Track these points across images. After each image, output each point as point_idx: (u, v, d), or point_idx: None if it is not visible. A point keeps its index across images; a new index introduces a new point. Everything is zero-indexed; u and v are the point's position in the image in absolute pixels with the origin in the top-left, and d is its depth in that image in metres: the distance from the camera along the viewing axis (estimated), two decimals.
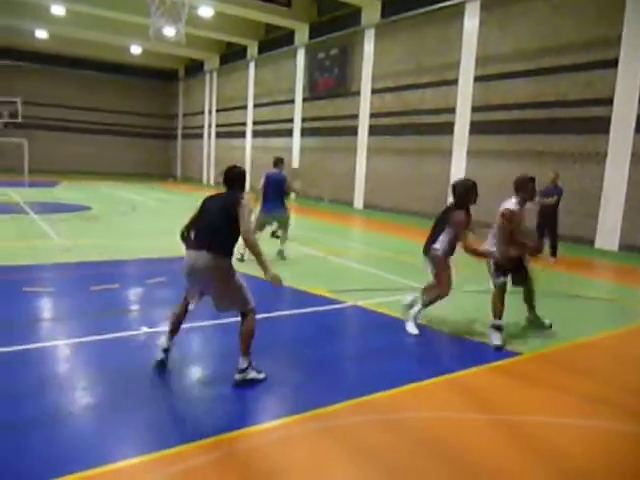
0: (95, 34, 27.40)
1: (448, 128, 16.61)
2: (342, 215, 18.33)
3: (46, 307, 6.23)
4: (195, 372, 4.59)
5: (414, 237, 13.12)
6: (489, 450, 3.37)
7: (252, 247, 4.25)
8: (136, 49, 30.66)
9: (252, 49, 27.28)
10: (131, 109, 37.37)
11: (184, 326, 5.62)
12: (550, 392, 4.34)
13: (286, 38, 24.43)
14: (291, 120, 24.44)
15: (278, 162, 9.29)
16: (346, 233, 14.49)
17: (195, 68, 34.05)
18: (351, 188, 20.91)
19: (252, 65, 27.53)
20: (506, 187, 6.15)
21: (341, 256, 10.07)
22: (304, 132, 23.85)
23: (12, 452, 3.10)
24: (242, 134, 28.63)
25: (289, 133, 24.65)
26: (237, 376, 4.14)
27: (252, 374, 4.19)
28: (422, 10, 17.24)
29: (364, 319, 6.25)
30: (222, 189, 4.57)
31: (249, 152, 28.13)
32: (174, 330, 4.46)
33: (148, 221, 14.23)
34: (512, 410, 3.97)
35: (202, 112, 33.24)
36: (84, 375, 4.29)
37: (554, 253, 10.34)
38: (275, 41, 25.47)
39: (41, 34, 28.32)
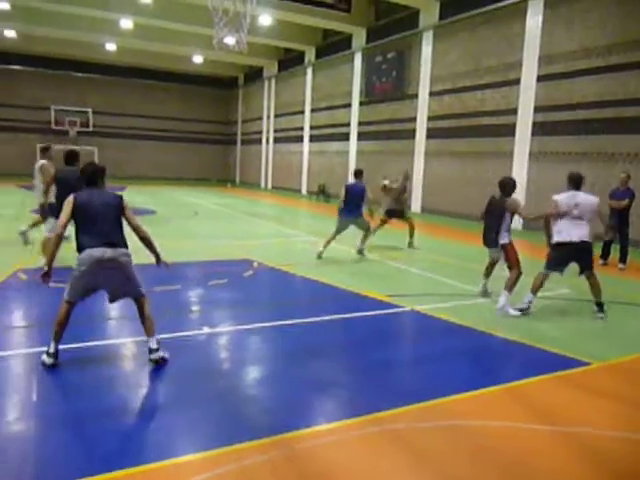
0: (160, 45, 28.49)
1: (509, 130, 16.17)
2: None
3: (112, 306, 6.51)
4: (253, 372, 4.67)
5: (474, 242, 12.83)
6: (551, 464, 3.26)
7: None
8: (198, 58, 31.64)
9: (310, 55, 27.57)
10: (192, 116, 38.56)
11: (243, 327, 5.75)
12: (620, 405, 4.14)
13: (343, 43, 24.53)
14: (348, 124, 24.50)
15: (358, 174, 10.09)
16: (404, 237, 14.36)
17: (254, 75, 34.75)
18: (409, 192, 20.70)
19: (309, 70, 27.81)
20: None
21: (398, 260, 9.99)
22: (360, 136, 23.85)
23: (76, 442, 3.27)
24: (299, 139, 28.94)
25: (345, 137, 24.71)
26: (153, 356, 4.41)
27: (164, 352, 4.47)
28: (481, 10, 16.88)
29: (422, 324, 6.18)
30: None
31: (306, 156, 28.40)
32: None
33: (209, 225, 14.63)
34: (578, 422, 3.82)
35: (260, 118, 33.86)
36: (146, 373, 4.45)
37: (624, 259, 9.85)
38: (332, 46, 25.63)
39: (111, 47, 29.73)
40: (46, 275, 4.35)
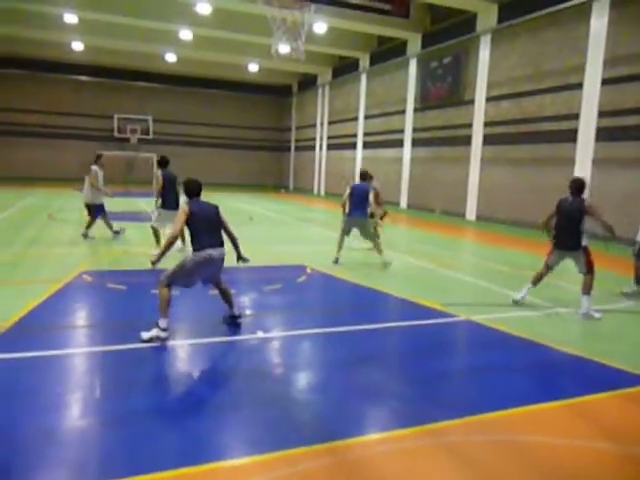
0: (217, 55, 29.25)
1: (570, 135, 15.60)
2: (454, 227, 17.86)
3: (171, 309, 6.70)
4: (306, 378, 4.69)
5: (532, 250, 12.45)
6: None
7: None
8: (254, 67, 32.26)
9: (364, 61, 27.59)
10: (248, 123, 39.32)
11: (297, 332, 5.80)
12: None
13: (398, 49, 24.42)
14: (402, 131, 24.32)
15: (364, 175, 9.97)
16: (458, 245, 14.10)
17: (308, 82, 35.10)
18: (463, 199, 20.33)
19: (363, 77, 27.83)
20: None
21: (453, 268, 9.81)
22: (415, 142, 23.62)
23: (132, 440, 3.36)
24: (353, 145, 28.97)
25: (399, 144, 24.54)
26: (239, 320, 5.74)
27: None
28: (542, 12, 16.42)
29: (478, 335, 6.03)
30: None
31: (359, 163, 28.38)
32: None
33: (264, 230, 14.83)
34: None
35: (314, 125, 34.12)
36: (201, 374, 4.55)
37: None
38: (387, 52, 25.55)
39: (170, 57, 30.76)
40: (154, 263, 5.51)
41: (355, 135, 28.70)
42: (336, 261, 9.60)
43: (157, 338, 5.11)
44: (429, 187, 22.59)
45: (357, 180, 10.24)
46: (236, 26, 23.79)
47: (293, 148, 38.65)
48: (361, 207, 9.59)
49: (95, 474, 3.02)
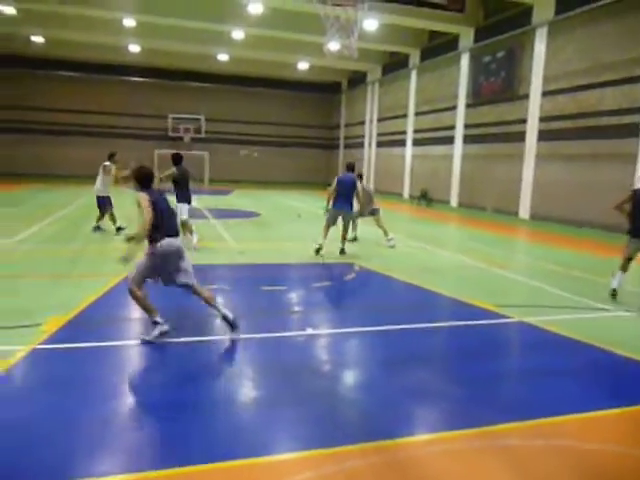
0: (268, 54, 29.58)
1: (632, 130, 14.92)
2: (506, 225, 17.42)
3: (223, 303, 6.84)
4: (355, 376, 4.69)
5: (589, 250, 12.02)
6: None
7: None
8: (303, 65, 32.43)
9: (414, 57, 27.26)
10: (296, 121, 39.59)
11: (346, 330, 5.81)
12: None
13: (449, 44, 23.99)
14: (452, 127, 23.90)
15: (350, 167, 10.26)
16: (510, 244, 13.75)
17: (357, 80, 34.99)
18: (516, 197, 19.79)
19: (414, 73, 27.50)
20: None
21: (505, 268, 9.57)
22: (466, 139, 23.16)
23: (177, 432, 3.44)
24: (402, 143, 28.70)
25: (450, 141, 24.12)
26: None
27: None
28: (600, 3, 15.76)
29: (532, 337, 5.86)
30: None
31: (409, 160, 28.10)
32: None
33: (313, 227, 14.91)
34: None
35: (363, 122, 34.00)
36: (250, 369, 4.63)
37: None
38: (438, 48, 25.15)
39: (222, 57, 31.33)
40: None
41: (404, 132, 28.41)
42: (318, 252, 9.71)
43: (162, 334, 5.02)
44: (481, 185, 22.10)
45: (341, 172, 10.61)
46: (287, 25, 23.96)
47: (342, 145, 38.64)
48: (347, 199, 9.77)
49: (148, 462, 3.13)
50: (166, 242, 5.06)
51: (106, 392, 4.05)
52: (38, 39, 28.32)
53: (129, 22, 24.49)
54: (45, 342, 4.85)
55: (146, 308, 5.08)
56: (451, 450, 3.35)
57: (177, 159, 9.79)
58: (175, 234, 5.23)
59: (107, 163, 11.73)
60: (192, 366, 4.59)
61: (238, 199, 24.33)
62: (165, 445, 3.32)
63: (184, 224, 9.70)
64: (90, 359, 4.65)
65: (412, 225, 17.32)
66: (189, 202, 10.01)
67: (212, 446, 3.29)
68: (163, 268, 5.15)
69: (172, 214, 5.34)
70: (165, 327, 5.05)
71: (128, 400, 4.02)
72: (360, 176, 11.47)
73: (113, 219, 11.83)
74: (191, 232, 10.11)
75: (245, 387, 4.26)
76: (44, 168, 33.36)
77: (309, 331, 5.58)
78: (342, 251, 10.06)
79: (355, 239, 11.70)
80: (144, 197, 5.01)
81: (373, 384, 4.42)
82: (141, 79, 35.66)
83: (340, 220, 10.09)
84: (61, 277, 7.58)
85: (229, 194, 27.26)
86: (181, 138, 36.39)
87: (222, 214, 16.72)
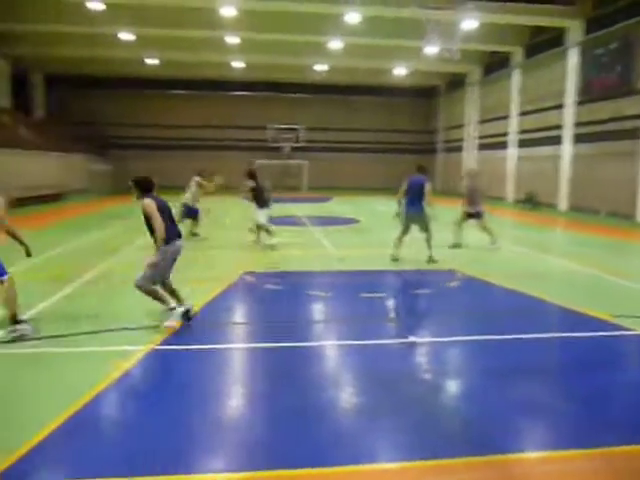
0: (365, 61, 29.77)
1: None
2: (621, 230, 16.13)
3: (323, 310, 6.97)
4: (458, 386, 4.57)
5: None
6: None
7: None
8: (400, 70, 32.24)
9: (516, 56, 26.16)
10: (394, 127, 39.39)
11: (448, 338, 5.69)
12: None
13: (555, 39, 22.75)
14: (559, 127, 22.59)
15: (420, 168, 10.00)
16: (627, 249, 12.72)
17: (456, 82, 34.19)
18: (633, 199, 18.28)
19: (516, 72, 26.37)
20: None
21: (621, 275, 8.85)
22: (575, 138, 21.79)
23: (282, 435, 3.53)
24: (504, 145, 27.59)
25: (557, 140, 22.81)
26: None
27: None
28: None
29: None
30: None
31: (512, 163, 26.94)
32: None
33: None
34: None
35: (462, 125, 33.12)
36: (351, 376, 4.65)
37: None
38: (542, 44, 23.94)
39: (320, 67, 31.97)
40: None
41: (506, 134, 27.30)
42: (394, 259, 9.59)
43: (184, 315, 5.61)
44: (593, 186, 20.66)
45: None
46: (384, 31, 23.97)
47: (440, 150, 37.89)
48: (416, 201, 9.46)
49: (255, 462, 3.24)
50: (175, 243, 5.65)
51: (216, 392, 4.27)
52: (152, 61, 30.58)
53: (233, 40, 25.76)
54: (162, 343, 5.21)
55: (161, 299, 5.64)
56: (567, 471, 3.16)
57: (252, 174, 11.38)
58: (179, 236, 5.80)
59: (197, 178, 12.57)
60: (293, 371, 4.70)
61: (337, 206, 24.62)
62: (270, 447, 3.42)
63: (260, 227, 11.34)
64: (202, 360, 4.93)
65: (516, 230, 16.57)
66: (266, 207, 11.35)
67: (315, 451, 3.35)
68: (168, 266, 5.72)
69: (172, 218, 5.82)
70: (182, 308, 5.65)
71: (236, 401, 4.21)
72: (472, 174, 11.18)
73: (195, 226, 12.80)
74: (268, 232, 11.33)
75: (346, 394, 4.29)
76: (161, 180, 35.81)
77: (411, 339, 5.52)
78: (430, 259, 9.54)
79: (458, 245, 11.39)
80: (150, 205, 5.47)
81: (478, 395, 4.28)
82: (243, 93, 37.31)
83: (416, 227, 9.73)
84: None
85: (328, 201, 27.65)
86: (281, 148, 37.56)
87: (321, 221, 17.01)
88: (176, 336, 5.44)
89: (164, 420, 3.71)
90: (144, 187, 5.69)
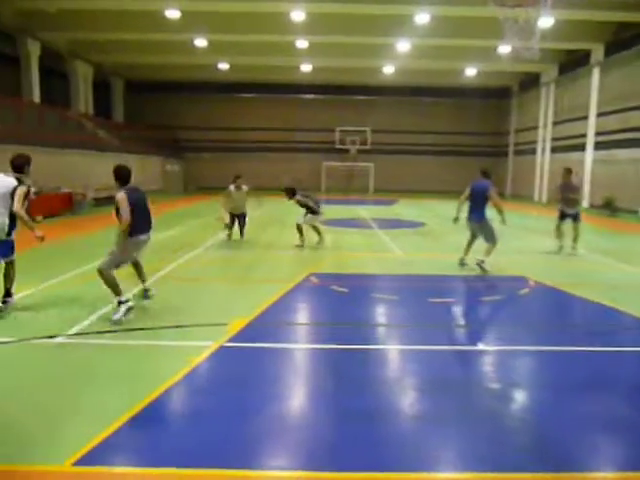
0: (433, 62, 29.32)
1: None
2: None
3: (389, 313, 6.91)
4: (530, 398, 4.38)
5: None
6: None
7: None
8: (471, 71, 31.52)
9: (597, 53, 24.91)
10: (462, 129, 38.54)
11: (518, 347, 5.48)
12: None
13: None
14: None
15: (484, 173, 9.30)
16: None
17: (529, 82, 33.01)
18: None
19: (596, 70, 25.12)
20: None
21: None
22: None
23: (345, 437, 3.51)
24: (581, 147, 26.33)
25: (639, 143, 21.53)
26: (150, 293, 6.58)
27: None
28: None
29: None
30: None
31: (589, 166, 25.67)
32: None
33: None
34: None
35: (536, 127, 31.91)
36: (417, 381, 4.58)
37: None
38: (627, 40, 22.65)
39: (388, 69, 31.80)
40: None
41: (584, 135, 26.04)
42: (461, 263, 9.28)
43: (128, 310, 5.74)
44: None
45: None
46: (454, 31, 23.53)
47: (511, 152, 36.69)
48: (478, 208, 8.95)
49: (319, 463, 3.24)
50: (139, 238, 5.98)
51: (280, 391, 4.33)
52: (223, 66, 31.52)
53: (302, 44, 26.11)
54: (230, 340, 5.34)
55: (114, 289, 5.81)
56: None
57: (292, 192, 11.51)
58: (147, 231, 6.12)
59: (232, 186, 12.26)
60: (358, 373, 4.68)
61: (403, 209, 24.37)
62: (333, 448, 3.42)
63: (300, 226, 11.53)
64: (268, 358, 5.01)
65: (593, 237, 15.75)
66: (314, 213, 11.60)
67: (376, 455, 3.32)
68: (128, 258, 6.11)
69: (146, 212, 6.10)
70: (130, 303, 5.81)
71: (300, 401, 4.25)
72: (569, 171, 10.88)
73: (231, 228, 12.48)
74: (319, 234, 11.71)
75: (410, 399, 4.23)
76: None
77: (480, 347, 5.37)
78: (482, 267, 8.75)
79: (561, 249, 11.05)
80: (123, 200, 5.79)
81: (549, 409, 4.08)
82: (311, 96, 37.72)
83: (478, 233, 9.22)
84: (242, 282, 8.28)
85: (394, 204, 27.42)
86: (347, 150, 37.65)
87: (388, 224, 16.90)
88: (243, 334, 5.56)
89: (231, 415, 3.80)
90: (123, 177, 6.01)
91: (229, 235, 12.32)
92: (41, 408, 3.88)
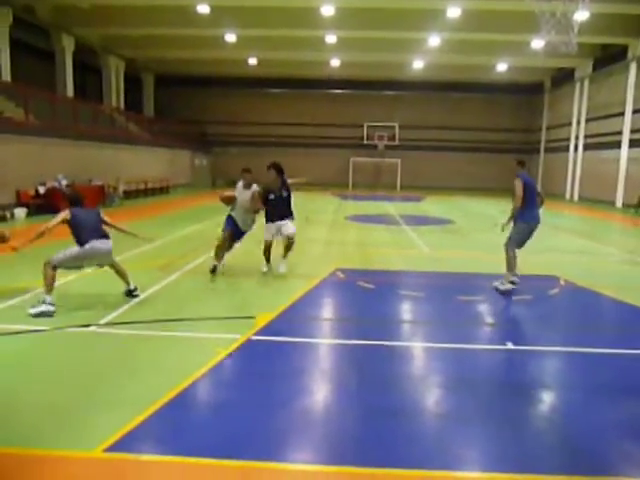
0: (464, 57, 28.90)
1: None
2: None
3: (416, 310, 6.87)
4: (562, 400, 4.31)
5: None
6: None
7: None
8: (502, 66, 30.99)
9: (634, 48, 24.23)
10: (492, 126, 37.97)
11: (548, 348, 5.39)
12: None
13: None
14: None
15: (522, 163, 7.72)
16: None
17: (563, 77, 32.30)
18: None
19: (633, 66, 24.43)
20: None
21: None
22: None
23: (367, 433, 3.51)
24: (616, 144, 25.66)
25: None
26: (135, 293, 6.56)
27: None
28: None
29: None
30: None
31: (624, 164, 25.02)
32: None
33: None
34: None
35: (569, 123, 31.22)
36: (444, 379, 4.54)
37: None
38: None
39: (417, 64, 31.48)
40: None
41: (620, 132, 25.38)
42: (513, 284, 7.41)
43: (47, 313, 5.67)
44: None
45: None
46: (486, 25, 23.17)
47: (543, 149, 36.00)
48: (536, 206, 7.47)
49: (337, 457, 3.25)
50: (89, 245, 6.06)
51: (305, 385, 4.35)
52: (252, 60, 31.64)
53: (331, 39, 26.03)
54: (257, 334, 5.38)
55: (48, 284, 5.84)
56: None
57: (281, 170, 8.93)
58: (97, 237, 6.16)
59: (240, 183, 8.91)
60: (383, 369, 4.66)
61: (431, 206, 24.16)
62: (358, 443, 3.43)
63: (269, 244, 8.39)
64: (293, 352, 5.04)
65: (625, 237, 15.38)
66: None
67: (401, 451, 3.32)
68: (86, 261, 6.23)
69: (90, 226, 6.20)
70: (52, 308, 5.74)
71: (325, 395, 4.26)
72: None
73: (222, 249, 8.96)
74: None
75: (436, 396, 4.21)
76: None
77: (509, 346, 5.29)
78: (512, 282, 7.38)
79: None
80: (63, 217, 6.12)
81: (579, 412, 4.00)
82: (339, 91, 37.62)
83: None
84: (269, 276, 8.30)
85: (421, 201, 27.20)
86: (375, 146, 37.48)
87: (415, 221, 16.76)
88: (270, 328, 5.60)
89: (257, 408, 3.84)
90: (71, 201, 6.42)
91: (214, 268, 7.97)
92: (75, 395, 3.98)
